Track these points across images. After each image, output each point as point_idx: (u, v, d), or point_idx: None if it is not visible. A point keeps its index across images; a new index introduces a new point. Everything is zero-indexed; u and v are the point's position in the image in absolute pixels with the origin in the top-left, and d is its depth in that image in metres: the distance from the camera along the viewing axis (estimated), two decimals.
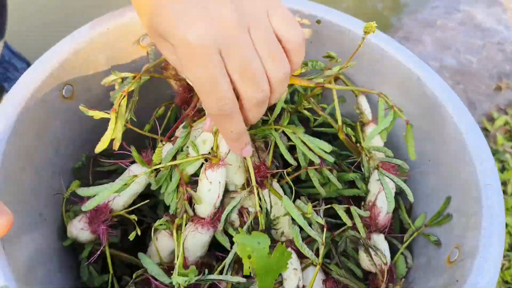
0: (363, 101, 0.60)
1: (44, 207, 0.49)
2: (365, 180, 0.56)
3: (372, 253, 0.50)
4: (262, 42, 0.40)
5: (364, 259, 0.51)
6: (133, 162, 0.49)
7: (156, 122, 0.54)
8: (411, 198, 0.50)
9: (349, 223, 0.47)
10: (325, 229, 0.44)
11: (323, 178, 0.55)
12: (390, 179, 0.50)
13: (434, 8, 1.22)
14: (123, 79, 0.48)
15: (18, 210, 0.42)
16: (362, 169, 0.56)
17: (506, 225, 1.03)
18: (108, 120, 0.47)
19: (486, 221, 0.43)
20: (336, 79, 0.63)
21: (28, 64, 0.85)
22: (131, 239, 0.47)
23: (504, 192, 1.06)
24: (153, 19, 0.39)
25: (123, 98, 0.46)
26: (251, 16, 0.39)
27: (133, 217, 0.49)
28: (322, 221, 0.44)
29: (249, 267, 0.41)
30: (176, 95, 0.54)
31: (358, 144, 0.56)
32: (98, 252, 0.48)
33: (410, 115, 0.56)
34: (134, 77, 0.48)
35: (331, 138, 0.64)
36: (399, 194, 0.57)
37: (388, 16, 1.55)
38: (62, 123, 0.51)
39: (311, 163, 0.54)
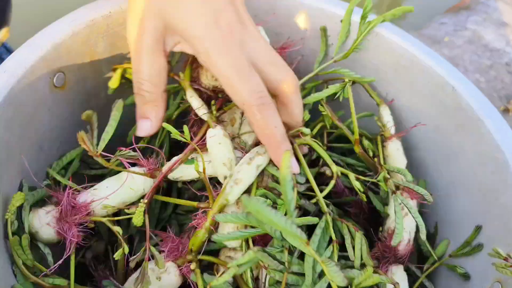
0: (385, 113, 0.54)
1: None
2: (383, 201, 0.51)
3: None
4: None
5: None
6: (135, 164, 0.43)
7: None
8: (423, 235, 0.44)
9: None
10: None
11: None
12: (406, 206, 0.44)
13: (442, 24, 1.19)
14: None
15: None
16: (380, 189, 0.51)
17: None
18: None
19: None
20: (353, 83, 0.58)
21: None
22: (116, 258, 0.39)
23: None
24: (166, 11, 0.38)
25: None
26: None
27: (118, 229, 0.39)
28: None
29: None
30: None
31: (376, 160, 0.50)
32: (60, 262, 0.38)
33: (442, 130, 0.51)
34: None
35: (346, 152, 0.58)
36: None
37: None
38: (50, 115, 0.45)
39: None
